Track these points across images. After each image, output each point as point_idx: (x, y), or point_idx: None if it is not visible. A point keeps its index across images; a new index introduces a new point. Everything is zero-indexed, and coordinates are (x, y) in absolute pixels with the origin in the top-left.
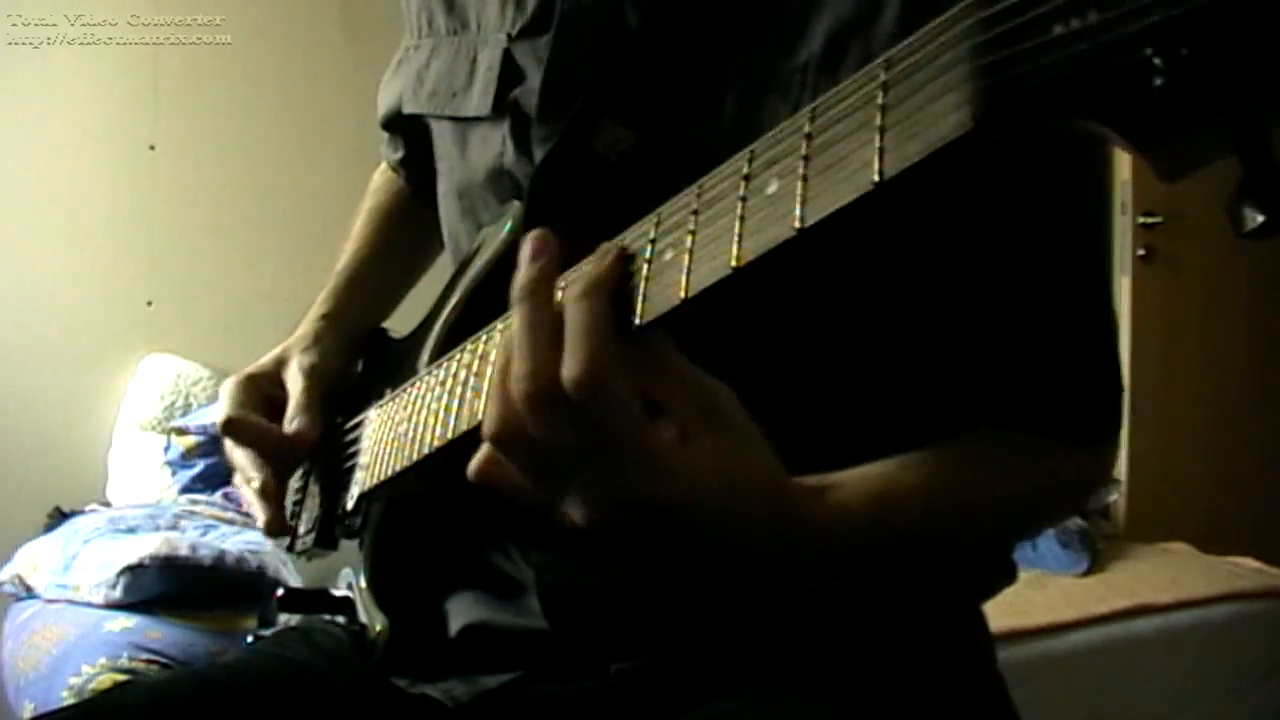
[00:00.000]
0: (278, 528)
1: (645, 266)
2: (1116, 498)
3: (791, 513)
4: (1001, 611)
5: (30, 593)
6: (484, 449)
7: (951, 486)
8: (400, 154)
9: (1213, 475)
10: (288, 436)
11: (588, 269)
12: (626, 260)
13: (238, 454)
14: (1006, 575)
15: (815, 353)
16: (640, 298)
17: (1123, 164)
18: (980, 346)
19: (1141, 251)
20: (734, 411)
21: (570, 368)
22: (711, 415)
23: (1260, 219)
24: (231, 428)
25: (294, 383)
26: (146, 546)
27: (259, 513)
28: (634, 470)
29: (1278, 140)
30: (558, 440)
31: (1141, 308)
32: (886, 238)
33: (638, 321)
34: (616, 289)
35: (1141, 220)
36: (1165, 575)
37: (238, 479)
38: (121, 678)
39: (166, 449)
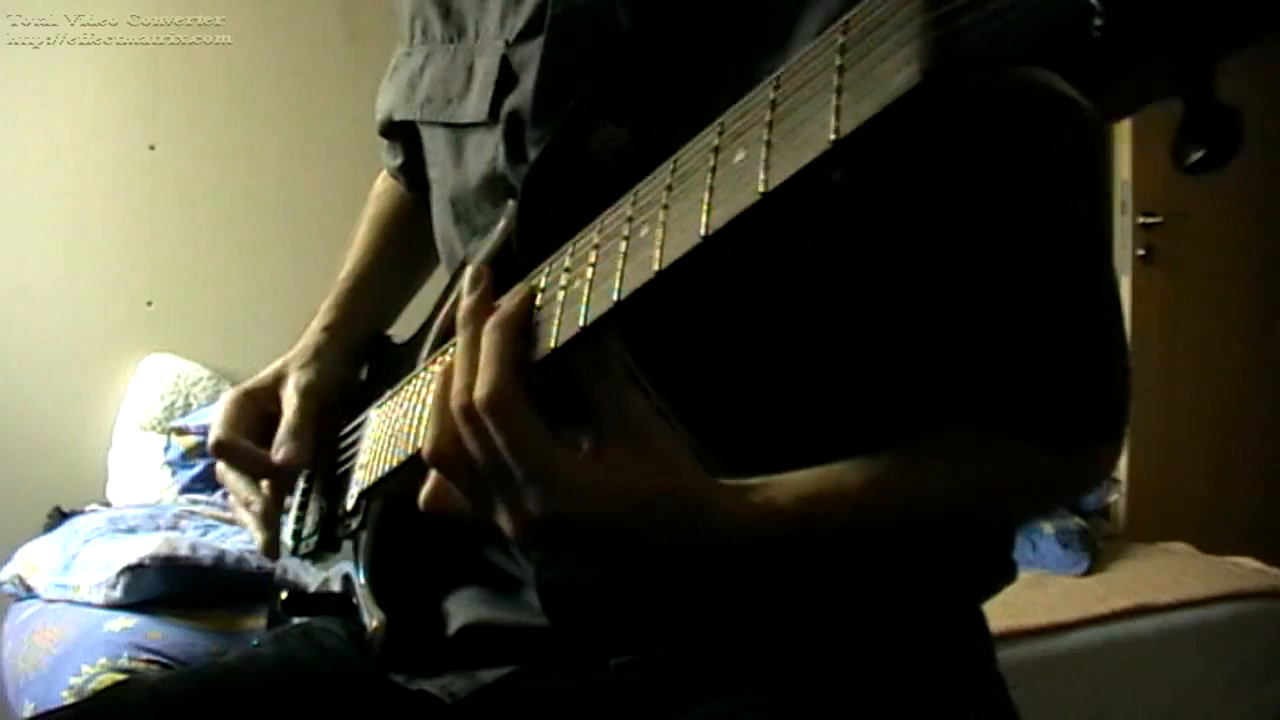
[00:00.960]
0: (275, 549)
1: (578, 280)
2: (1116, 498)
3: (701, 518)
4: (1001, 611)
5: (30, 593)
6: (430, 479)
7: (890, 487)
8: (400, 161)
9: (1213, 475)
10: (273, 465)
11: (504, 303)
12: (534, 297)
13: (229, 477)
14: (1006, 574)
15: (795, 352)
16: (582, 309)
17: (1123, 163)
18: (957, 347)
19: (1141, 251)
20: (647, 422)
21: (478, 389)
22: (627, 426)
23: (1199, 153)
24: (220, 451)
25: (288, 403)
26: (146, 546)
27: (255, 534)
28: (538, 487)
29: (1217, 77)
30: (487, 455)
31: (1141, 308)
32: (869, 238)
33: (577, 329)
34: (523, 326)
35: (1141, 220)
36: (1165, 575)
37: (231, 500)
38: (121, 678)
39: (166, 449)
